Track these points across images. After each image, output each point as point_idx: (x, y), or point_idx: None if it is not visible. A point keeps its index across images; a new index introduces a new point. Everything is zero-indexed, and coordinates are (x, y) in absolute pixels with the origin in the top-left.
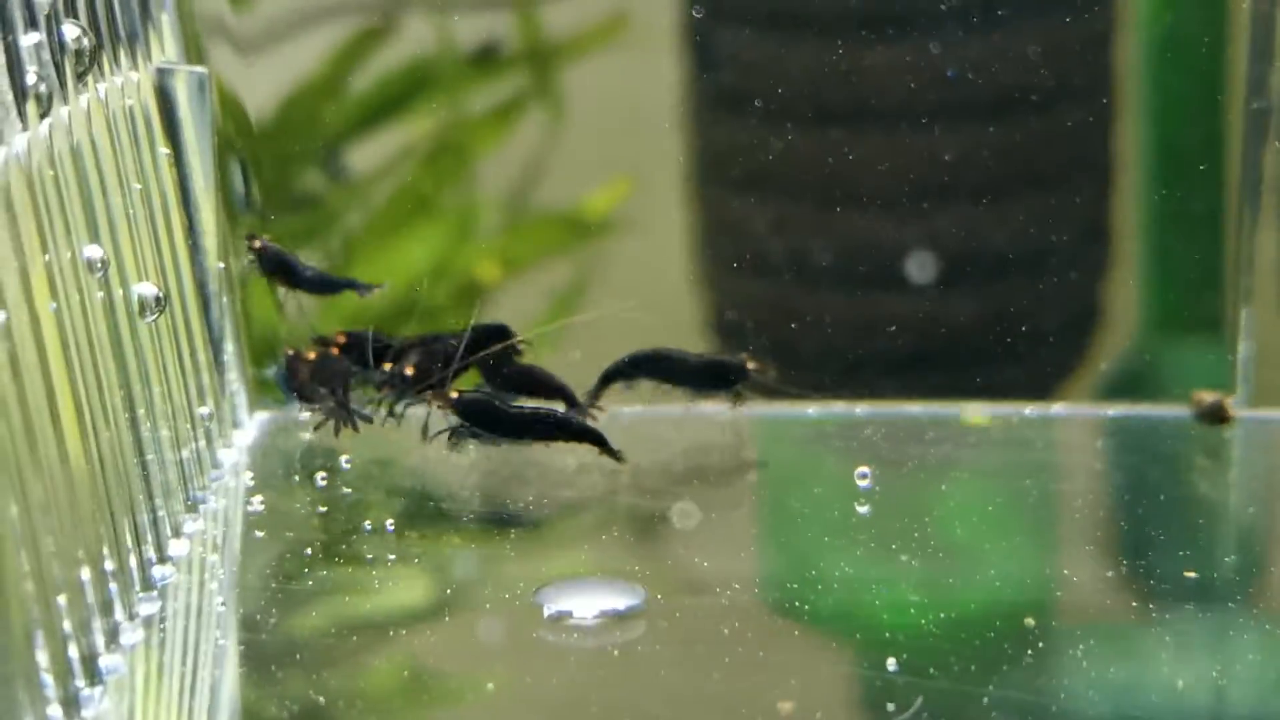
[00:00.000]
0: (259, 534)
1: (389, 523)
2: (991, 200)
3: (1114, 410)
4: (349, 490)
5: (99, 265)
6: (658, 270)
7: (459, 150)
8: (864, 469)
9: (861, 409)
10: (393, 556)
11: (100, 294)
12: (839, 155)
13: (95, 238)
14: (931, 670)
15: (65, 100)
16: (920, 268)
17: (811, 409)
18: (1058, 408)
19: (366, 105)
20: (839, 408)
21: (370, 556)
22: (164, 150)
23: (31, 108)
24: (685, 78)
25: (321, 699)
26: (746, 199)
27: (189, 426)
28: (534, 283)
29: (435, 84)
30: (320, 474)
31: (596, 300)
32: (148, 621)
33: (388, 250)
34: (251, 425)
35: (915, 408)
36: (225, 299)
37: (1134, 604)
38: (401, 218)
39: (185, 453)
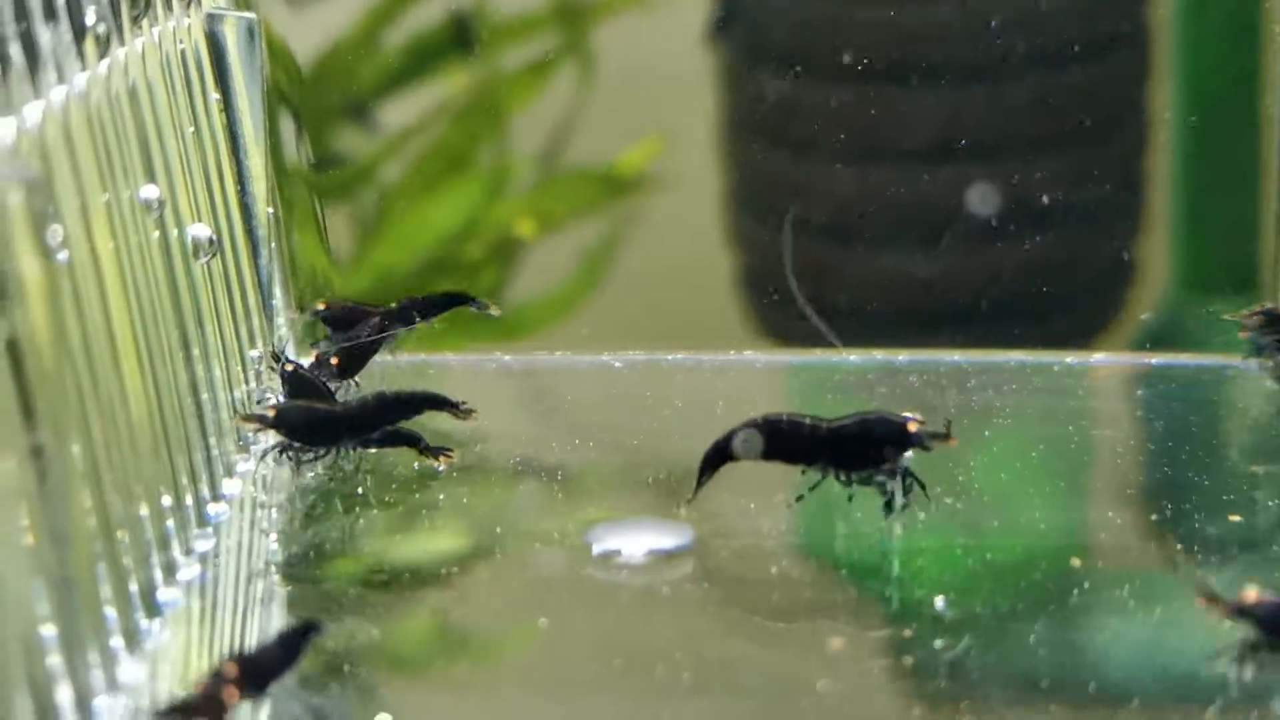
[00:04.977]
0: (309, 474)
1: (439, 466)
2: (1028, 155)
3: (1154, 359)
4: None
5: (156, 205)
6: (690, 226)
7: (493, 107)
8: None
9: (903, 356)
10: (441, 497)
11: (156, 235)
12: (873, 110)
13: (151, 179)
14: (977, 609)
15: (122, 42)
16: (957, 222)
17: (854, 356)
18: (1098, 356)
19: (403, 61)
20: (880, 355)
21: (419, 496)
22: (214, 95)
23: (90, 47)
24: (717, 34)
25: (373, 632)
26: (780, 155)
27: (240, 368)
28: (567, 240)
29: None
30: None
31: (628, 257)
32: (203, 557)
33: (421, 206)
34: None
35: (956, 355)
36: (274, 244)
37: (1178, 547)
38: (435, 174)
39: (237, 393)
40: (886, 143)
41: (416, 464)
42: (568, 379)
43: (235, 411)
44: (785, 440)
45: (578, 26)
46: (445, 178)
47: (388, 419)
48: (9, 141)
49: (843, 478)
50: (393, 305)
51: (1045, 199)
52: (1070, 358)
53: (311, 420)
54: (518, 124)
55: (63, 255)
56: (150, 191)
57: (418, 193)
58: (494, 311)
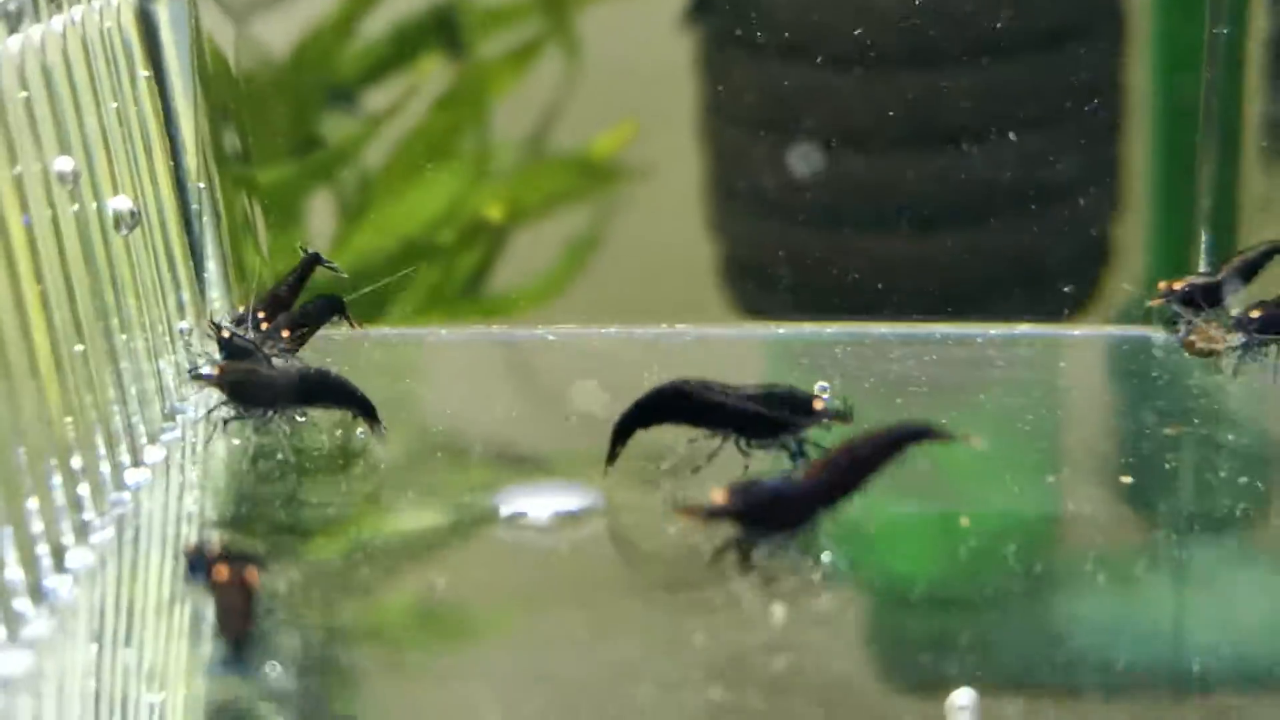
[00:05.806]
0: (235, 441)
1: (359, 431)
2: (1003, 138)
3: (1078, 330)
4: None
5: (70, 178)
6: (671, 212)
7: (474, 94)
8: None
9: (831, 329)
10: (361, 465)
11: (75, 207)
12: (850, 95)
13: (68, 153)
14: (867, 558)
15: (38, 19)
16: (931, 206)
17: (781, 329)
18: (1022, 328)
19: (382, 48)
20: (808, 329)
21: (341, 463)
22: (144, 73)
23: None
24: (697, 19)
25: (280, 588)
26: (760, 140)
27: (168, 339)
28: (549, 225)
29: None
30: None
31: (609, 242)
32: (119, 519)
33: (400, 191)
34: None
35: (883, 328)
36: (207, 219)
37: (1070, 505)
38: (415, 161)
39: (163, 364)
40: (860, 126)
41: (361, 431)
42: (535, 352)
43: (166, 378)
44: (692, 406)
45: (560, 12)
46: (425, 164)
47: (322, 397)
48: None
49: (743, 445)
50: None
51: (1025, 180)
52: (994, 330)
53: (252, 383)
54: (499, 110)
55: None
56: (64, 165)
57: (397, 179)
58: (342, 273)
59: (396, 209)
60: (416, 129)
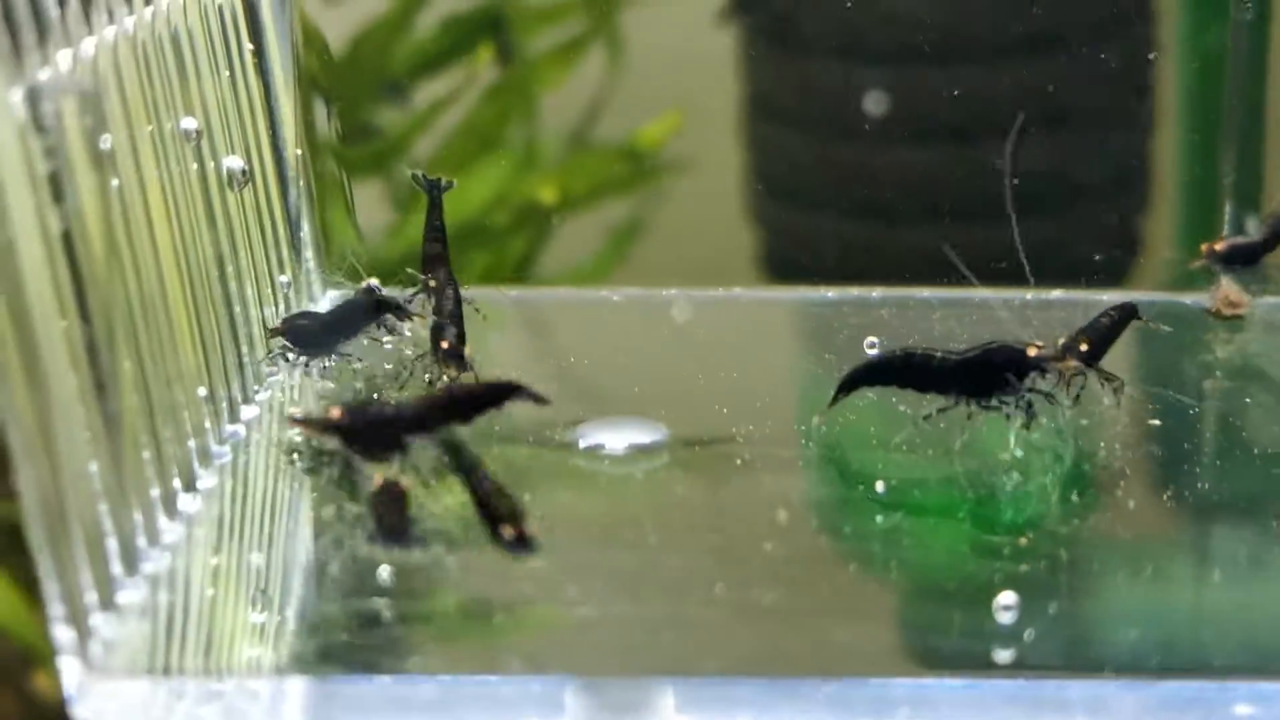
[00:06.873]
0: (329, 385)
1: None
2: (1040, 133)
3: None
4: (411, 352)
5: (194, 135)
6: (712, 203)
7: (523, 87)
8: (872, 338)
9: (877, 293)
10: None
11: (195, 166)
12: (887, 92)
13: (190, 114)
14: (915, 493)
15: None
16: (968, 198)
17: (830, 292)
18: (1056, 294)
19: (434, 44)
20: (855, 292)
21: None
22: (249, 46)
23: None
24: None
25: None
26: (800, 134)
27: (270, 289)
28: (594, 214)
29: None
30: (388, 337)
31: (651, 231)
32: (234, 444)
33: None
34: (326, 302)
35: (926, 292)
36: (302, 183)
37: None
38: (467, 152)
39: (268, 312)
40: (897, 121)
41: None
42: (575, 312)
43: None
44: (918, 372)
45: (605, 9)
46: (477, 154)
47: (360, 322)
48: (67, 63)
49: (972, 406)
50: None
51: (1055, 176)
52: (1030, 295)
53: (308, 330)
54: (547, 103)
55: (115, 182)
56: (189, 123)
57: (450, 168)
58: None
59: (449, 196)
60: (467, 120)
